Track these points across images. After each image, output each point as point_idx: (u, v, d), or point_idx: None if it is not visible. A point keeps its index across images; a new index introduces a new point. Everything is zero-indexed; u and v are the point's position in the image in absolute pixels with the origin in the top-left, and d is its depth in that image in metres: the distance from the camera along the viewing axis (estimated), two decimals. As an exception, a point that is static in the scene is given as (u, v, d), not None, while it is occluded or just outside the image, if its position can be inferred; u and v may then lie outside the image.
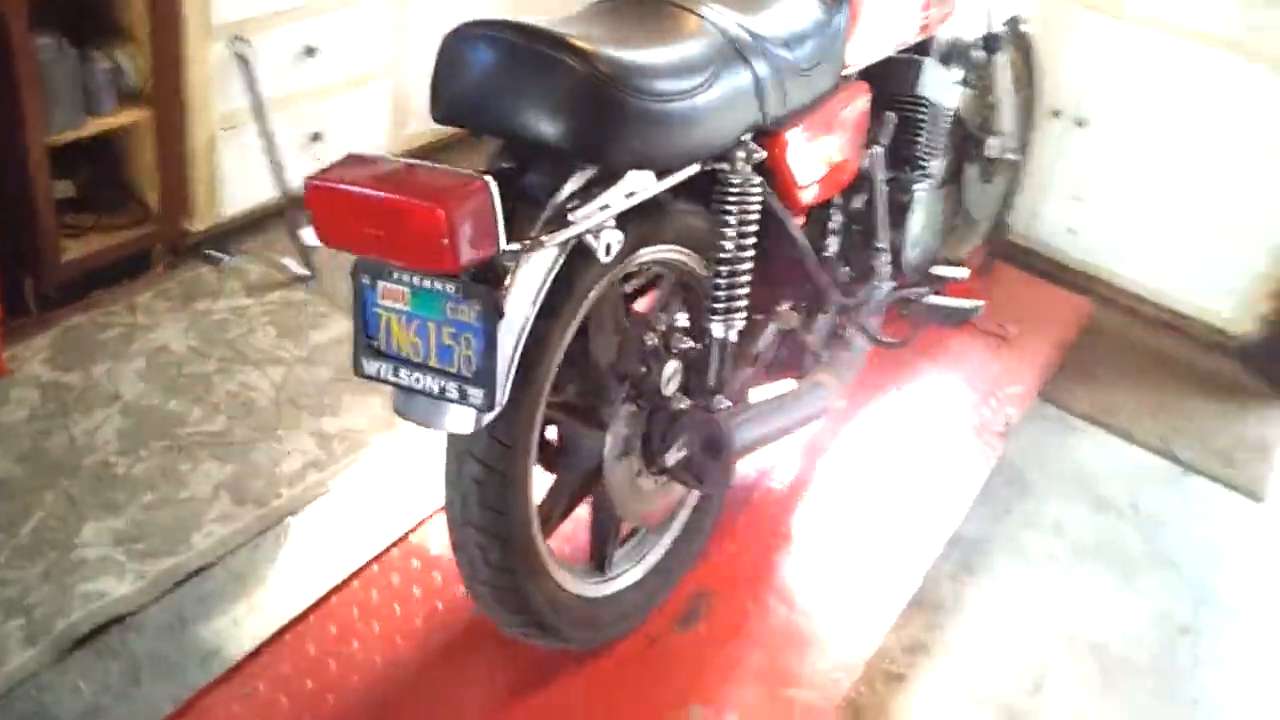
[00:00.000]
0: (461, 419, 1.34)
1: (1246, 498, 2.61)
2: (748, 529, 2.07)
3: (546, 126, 1.33)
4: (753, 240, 1.61)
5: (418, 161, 1.28)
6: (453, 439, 1.45)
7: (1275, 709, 2.11)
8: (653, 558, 1.81)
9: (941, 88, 2.17)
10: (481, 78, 1.35)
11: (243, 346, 2.51)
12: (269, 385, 2.42)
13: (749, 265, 1.62)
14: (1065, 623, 2.19)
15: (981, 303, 2.07)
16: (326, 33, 2.73)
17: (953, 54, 2.28)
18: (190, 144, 2.58)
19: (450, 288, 1.27)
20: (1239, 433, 2.81)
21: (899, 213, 2.08)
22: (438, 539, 1.96)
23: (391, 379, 1.35)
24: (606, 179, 1.40)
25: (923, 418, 2.44)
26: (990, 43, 2.43)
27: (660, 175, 1.48)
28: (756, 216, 1.61)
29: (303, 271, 2.75)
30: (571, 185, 1.36)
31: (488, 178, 1.22)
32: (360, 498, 2.18)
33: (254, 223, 2.86)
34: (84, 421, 2.24)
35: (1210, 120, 2.87)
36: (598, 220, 1.38)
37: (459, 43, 1.37)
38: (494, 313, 1.25)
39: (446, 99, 1.40)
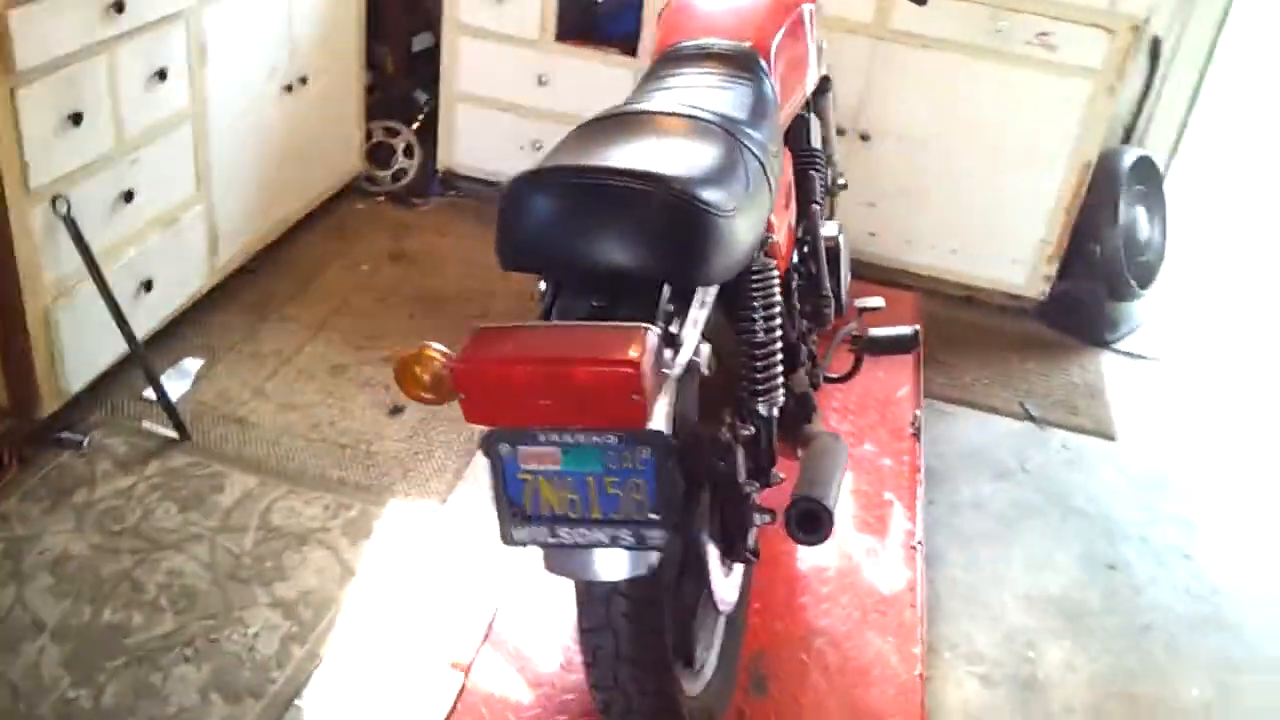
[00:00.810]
0: (636, 562, 1.32)
1: (1102, 438, 2.98)
2: (756, 580, 2.13)
3: (636, 255, 1.34)
4: (778, 319, 1.69)
5: (558, 324, 1.26)
6: (593, 586, 1.42)
7: (1206, 609, 2.44)
8: (717, 641, 1.84)
9: (818, 136, 2.34)
10: (557, 220, 1.35)
11: (149, 532, 2.26)
12: (199, 566, 2.20)
13: (779, 344, 1.69)
14: (1020, 587, 2.43)
15: (917, 326, 2.24)
16: (139, 174, 2.51)
17: (809, 101, 2.45)
18: (29, 324, 2.29)
19: (612, 438, 1.25)
20: (1069, 383, 3.20)
21: (833, 258, 2.23)
22: (488, 675, 1.89)
23: (549, 541, 1.31)
24: (681, 296, 1.43)
25: (847, 437, 2.60)
26: (824, 83, 2.62)
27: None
28: (779, 297, 1.69)
29: (171, 433, 2.52)
30: (664, 308, 1.38)
31: (647, 326, 1.22)
32: (358, 656, 2.05)
33: (100, 391, 2.58)
34: (17, 662, 1.94)
35: (975, 116, 3.23)
36: (695, 338, 1.41)
37: (528, 191, 1.35)
38: (668, 454, 1.25)
39: (519, 246, 1.38)
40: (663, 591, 1.45)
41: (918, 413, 2.71)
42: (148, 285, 2.60)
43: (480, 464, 2.53)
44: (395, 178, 3.70)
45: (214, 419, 2.60)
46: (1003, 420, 3.00)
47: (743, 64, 1.87)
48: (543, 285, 1.64)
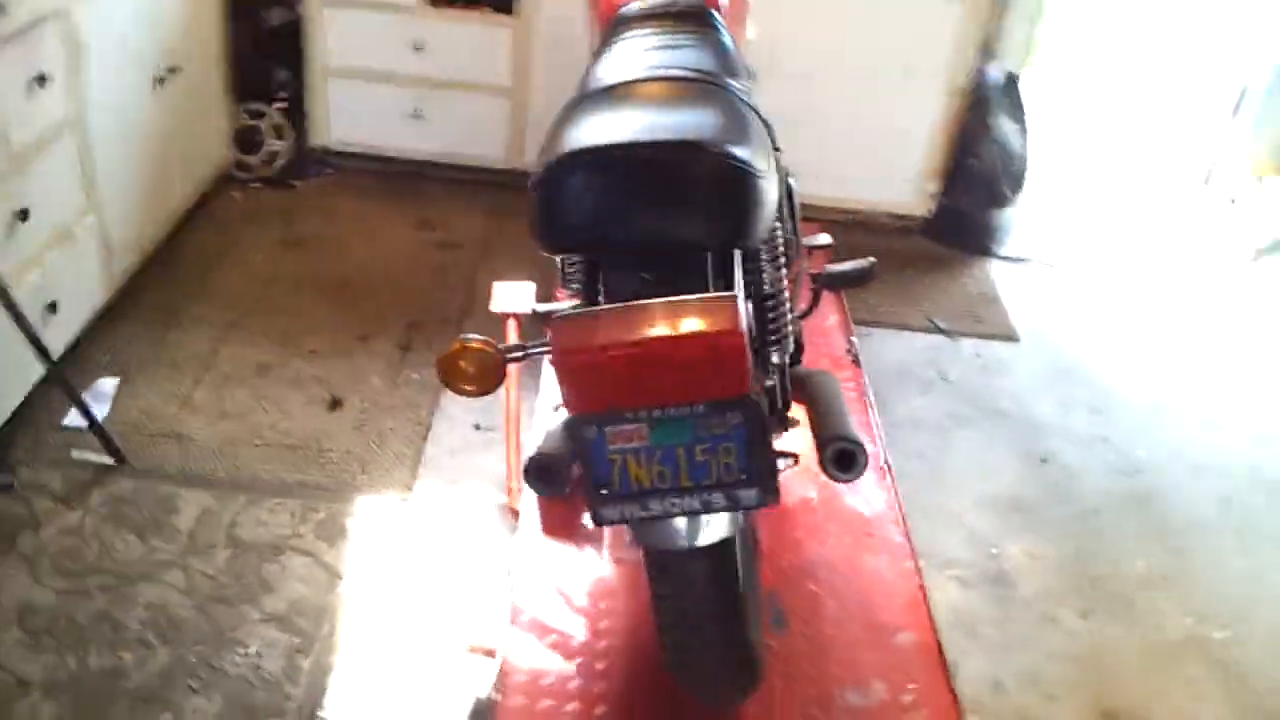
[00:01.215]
0: (727, 524, 1.35)
1: (1007, 341, 3.17)
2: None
3: (686, 225, 1.35)
4: (783, 268, 1.73)
5: (639, 304, 1.26)
6: (677, 551, 1.44)
7: (1134, 486, 2.65)
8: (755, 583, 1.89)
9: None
10: (602, 198, 1.34)
11: (114, 567, 2.14)
12: (177, 594, 2.11)
13: (785, 291, 1.73)
14: (971, 491, 2.58)
15: (873, 258, 2.32)
16: (31, 189, 2.33)
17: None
18: (-57, 364, 2.12)
19: (701, 407, 1.27)
20: (966, 293, 3.38)
21: (789, 200, 2.27)
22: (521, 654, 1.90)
23: (640, 515, 1.32)
24: (723, 262, 1.45)
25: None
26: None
27: None
28: (782, 246, 1.73)
29: (105, 459, 2.38)
30: (713, 276, 1.40)
31: (733, 295, 1.24)
32: (370, 657, 2.02)
33: (15, 427, 2.40)
34: (12, 726, 1.83)
35: (853, 47, 3.32)
36: (743, 300, 1.43)
37: (569, 173, 1.34)
38: (757, 415, 1.28)
39: (564, 229, 1.37)
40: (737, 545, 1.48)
41: (853, 339, 2.81)
42: (52, 307, 2.43)
43: (436, 447, 2.53)
44: (268, 161, 3.54)
45: (146, 438, 2.47)
46: (915, 336, 3.15)
47: (697, 18, 1.88)
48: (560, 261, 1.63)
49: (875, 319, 3.18)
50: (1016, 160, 3.64)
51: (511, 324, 2.52)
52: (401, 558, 2.24)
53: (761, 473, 1.31)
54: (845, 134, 3.44)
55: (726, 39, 1.88)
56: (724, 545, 1.42)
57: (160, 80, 2.85)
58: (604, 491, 1.31)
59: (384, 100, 3.46)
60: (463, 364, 1.42)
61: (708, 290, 1.38)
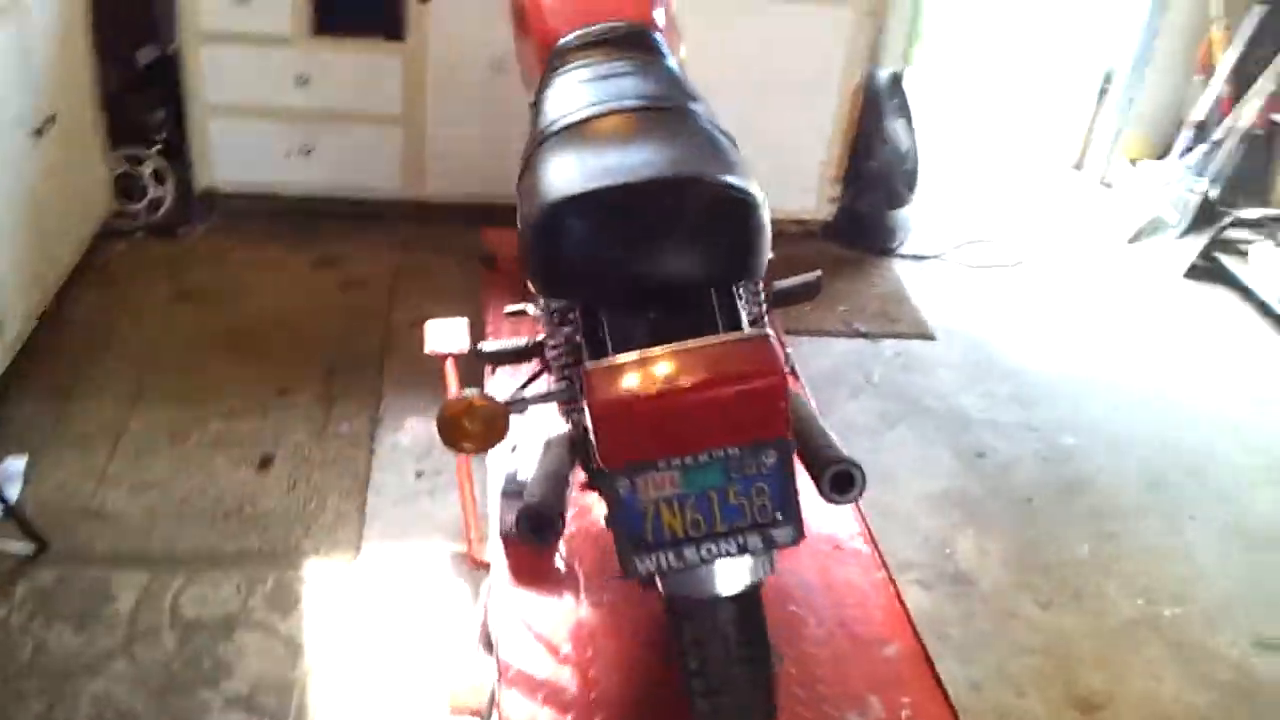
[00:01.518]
0: (762, 566, 1.33)
1: (923, 339, 3.24)
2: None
3: (694, 261, 1.33)
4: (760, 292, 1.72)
5: (670, 349, 1.23)
6: (700, 602, 1.40)
7: (1065, 473, 2.74)
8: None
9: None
10: (606, 241, 1.31)
11: (51, 665, 1.98)
12: (127, 686, 1.96)
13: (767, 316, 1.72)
14: (916, 492, 2.62)
15: (819, 271, 2.33)
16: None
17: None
18: None
19: (734, 450, 1.25)
20: (877, 294, 3.44)
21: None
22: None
23: (674, 564, 1.29)
24: (725, 296, 1.42)
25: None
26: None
27: None
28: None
29: (25, 547, 2.20)
30: (719, 310, 1.38)
31: (765, 333, 1.22)
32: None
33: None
34: None
35: (750, 59, 3.33)
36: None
37: (568, 217, 1.30)
38: (790, 453, 1.26)
39: (567, 275, 1.33)
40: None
41: (788, 351, 2.83)
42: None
43: (379, 498, 2.43)
44: (151, 209, 3.35)
45: (66, 519, 2.30)
46: (836, 341, 3.19)
47: (639, 43, 1.85)
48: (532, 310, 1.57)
49: (797, 326, 3.20)
50: (909, 159, 3.73)
51: (449, 365, 2.44)
52: (361, 620, 2.14)
53: (795, 510, 1.29)
54: (746, 145, 3.44)
55: (672, 62, 1.86)
56: (753, 589, 1.40)
57: (39, 131, 2.66)
58: (637, 543, 1.27)
59: (270, 137, 3.32)
60: (467, 423, 1.37)
61: (717, 326, 1.36)
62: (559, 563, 2.02)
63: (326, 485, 2.47)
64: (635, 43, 1.85)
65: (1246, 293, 3.65)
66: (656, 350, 1.23)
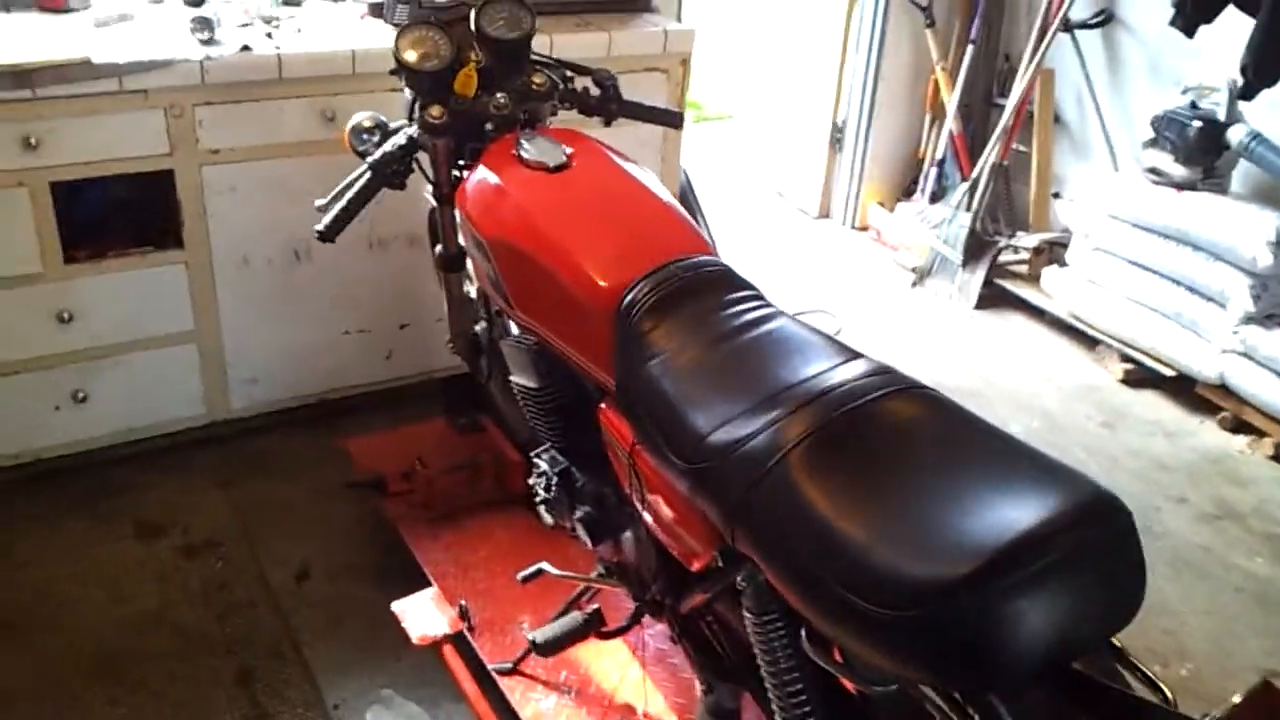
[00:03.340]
0: None
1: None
2: None
3: (1103, 621, 1.12)
4: None
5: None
6: None
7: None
8: None
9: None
10: (1033, 624, 1.05)
11: None
12: None
13: None
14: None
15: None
16: None
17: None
18: None
19: None
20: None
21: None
22: None
23: None
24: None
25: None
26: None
27: None
28: None
29: None
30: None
31: None
32: None
33: None
34: None
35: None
36: None
37: (999, 592, 1.03)
38: None
39: (985, 668, 1.06)
40: None
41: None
42: None
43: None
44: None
45: None
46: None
47: (735, 284, 1.59)
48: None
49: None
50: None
51: (449, 651, 2.06)
52: None
53: None
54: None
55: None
56: None
57: None
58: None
59: (31, 393, 2.63)
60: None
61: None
62: None
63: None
64: (731, 284, 1.58)
65: (1038, 312, 3.94)
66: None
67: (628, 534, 1.79)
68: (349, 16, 2.88)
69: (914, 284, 4.15)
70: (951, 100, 4.19)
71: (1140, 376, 3.60)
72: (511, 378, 1.94)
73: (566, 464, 1.86)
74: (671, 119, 2.21)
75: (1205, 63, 3.47)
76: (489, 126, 1.92)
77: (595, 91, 2.06)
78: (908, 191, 4.53)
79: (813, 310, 3.82)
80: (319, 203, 1.97)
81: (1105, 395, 3.57)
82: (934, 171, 4.29)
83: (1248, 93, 3.15)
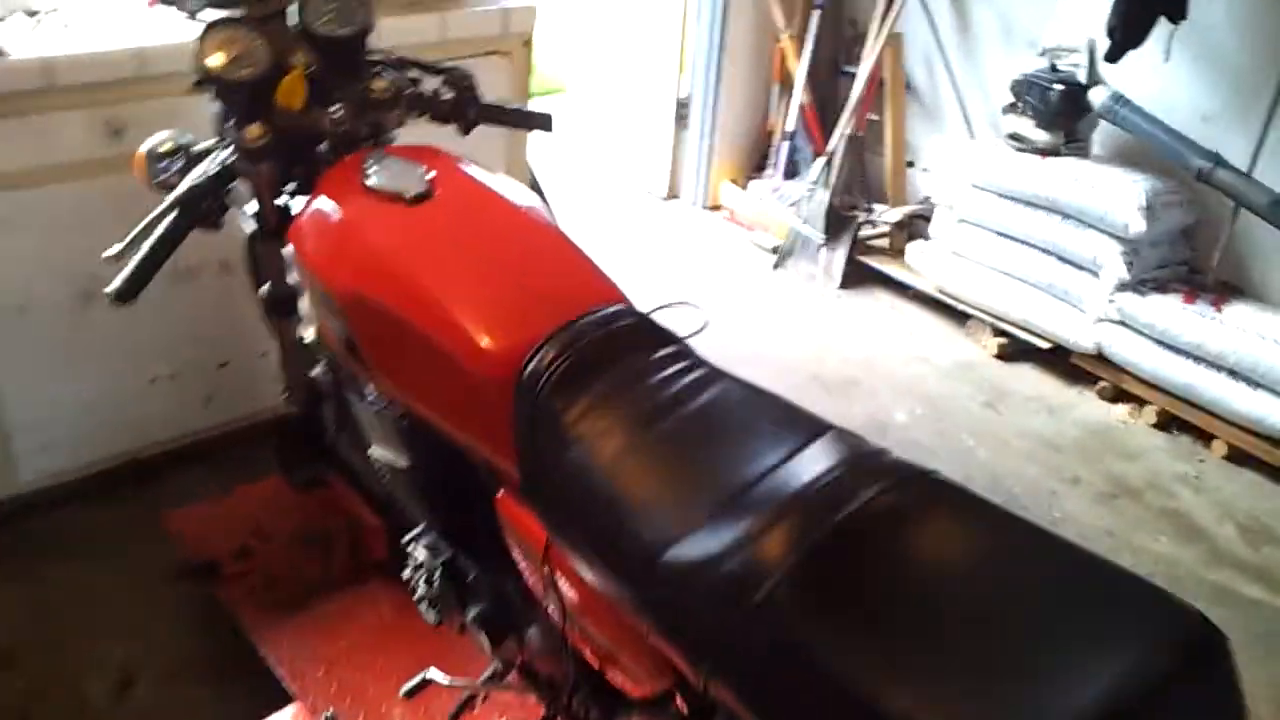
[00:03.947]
0: None
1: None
2: None
3: None
4: None
5: None
6: None
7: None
8: None
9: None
10: None
11: None
12: None
13: None
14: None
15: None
16: None
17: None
18: None
19: None
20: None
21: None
22: None
23: None
24: None
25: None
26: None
27: None
28: None
29: None
30: None
31: None
32: None
33: None
34: None
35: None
36: None
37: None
38: None
39: None
40: None
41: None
42: None
43: None
44: None
45: None
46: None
47: (661, 338, 1.29)
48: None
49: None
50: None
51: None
52: None
53: None
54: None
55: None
56: None
57: None
58: None
59: None
60: None
61: None
62: None
63: None
64: (653, 339, 1.28)
65: (904, 289, 3.79)
66: None
67: (536, 632, 1.48)
68: (130, 3, 2.40)
69: (776, 265, 3.94)
70: (799, 70, 3.97)
71: (1015, 350, 3.50)
72: (371, 451, 1.59)
73: (451, 553, 1.53)
74: (540, 122, 1.87)
75: (1060, 23, 3.35)
76: (324, 146, 1.55)
77: (449, 94, 1.70)
78: (759, 167, 4.31)
79: (674, 303, 3.55)
80: (109, 252, 1.55)
81: (983, 372, 3.45)
82: (786, 146, 4.08)
83: (1113, 54, 3.04)
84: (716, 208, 4.34)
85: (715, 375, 1.22)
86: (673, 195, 4.43)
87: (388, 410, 1.47)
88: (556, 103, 5.33)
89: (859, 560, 0.95)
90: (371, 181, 1.40)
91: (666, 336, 1.27)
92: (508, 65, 2.76)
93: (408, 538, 1.60)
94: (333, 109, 1.52)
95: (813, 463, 1.05)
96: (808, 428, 1.12)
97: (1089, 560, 0.93)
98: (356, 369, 1.46)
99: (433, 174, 1.40)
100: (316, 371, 1.88)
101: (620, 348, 1.23)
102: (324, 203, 1.43)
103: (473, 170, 1.49)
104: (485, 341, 1.23)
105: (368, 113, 1.56)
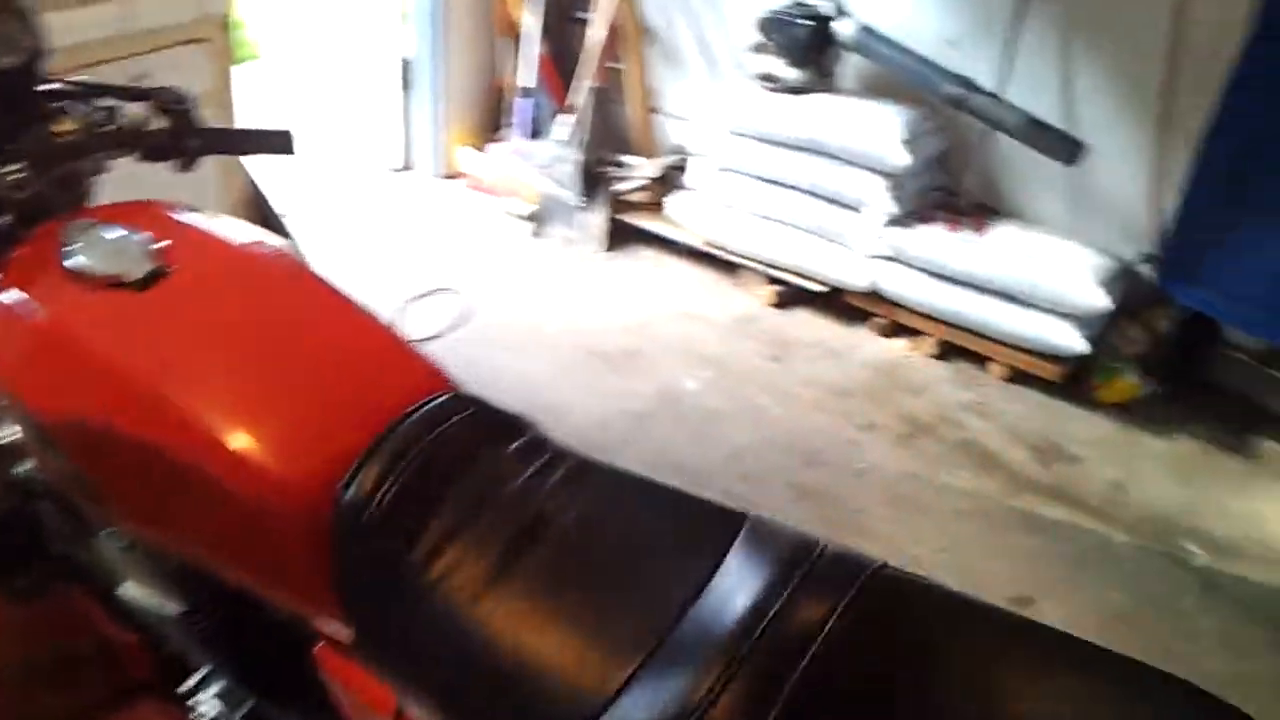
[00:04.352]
0: None
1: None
2: None
3: None
4: None
5: None
6: None
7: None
8: None
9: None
10: None
11: None
12: None
13: None
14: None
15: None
16: None
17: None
18: None
19: None
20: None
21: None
22: None
23: None
24: None
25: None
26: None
27: None
28: None
29: None
30: None
31: None
32: None
33: None
34: None
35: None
36: None
37: None
38: None
39: None
40: None
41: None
42: None
43: None
44: None
45: None
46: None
47: (515, 431, 1.02)
48: None
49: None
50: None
51: None
52: None
53: None
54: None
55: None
56: None
57: None
58: None
59: None
60: None
61: None
62: None
63: None
64: (499, 430, 1.01)
65: (670, 245, 3.63)
66: None
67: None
68: None
69: (534, 233, 3.68)
70: (527, 20, 3.68)
71: (789, 297, 3.42)
72: (120, 591, 1.24)
73: (251, 701, 1.22)
74: (279, 143, 1.49)
75: (797, -45, 3.23)
76: (4, 219, 1.15)
77: (159, 123, 1.31)
78: (495, 128, 4.00)
79: (431, 291, 3.25)
80: None
81: (762, 324, 3.35)
82: (524, 104, 3.79)
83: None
84: (455, 175, 4.01)
85: (585, 466, 0.98)
86: (406, 166, 4.06)
87: (137, 548, 1.14)
88: (250, 72, 4.78)
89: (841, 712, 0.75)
90: (73, 263, 1.03)
91: (515, 424, 1.01)
92: (207, 54, 2.33)
93: (189, 683, 1.27)
94: (7, 169, 1.12)
95: (745, 576, 0.84)
96: (719, 523, 0.90)
97: (1121, 664, 0.77)
98: (93, 511, 1.11)
99: (163, 243, 1.06)
100: (25, 469, 1.48)
101: (463, 450, 0.96)
102: (13, 297, 1.05)
103: (212, 226, 1.14)
104: (279, 468, 0.93)
105: (54, 165, 1.17)
